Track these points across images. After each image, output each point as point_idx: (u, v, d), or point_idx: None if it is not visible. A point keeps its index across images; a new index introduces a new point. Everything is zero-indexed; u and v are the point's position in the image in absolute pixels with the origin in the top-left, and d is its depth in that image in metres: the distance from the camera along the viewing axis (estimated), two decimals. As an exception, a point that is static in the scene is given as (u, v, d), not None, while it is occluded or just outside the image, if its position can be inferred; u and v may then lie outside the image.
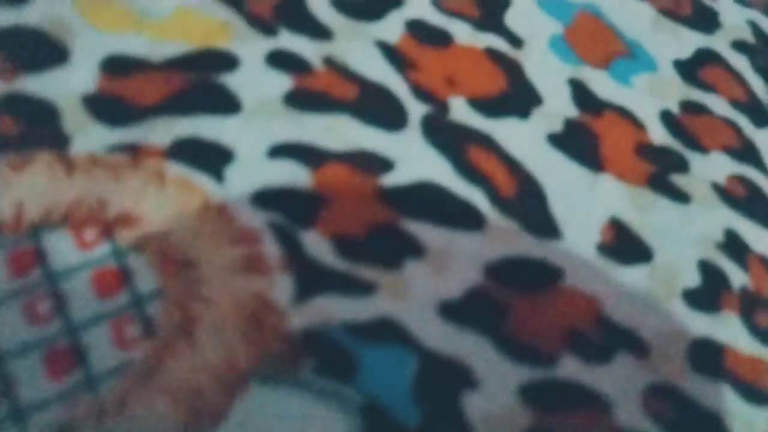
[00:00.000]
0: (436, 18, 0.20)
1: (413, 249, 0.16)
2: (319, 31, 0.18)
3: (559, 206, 0.18)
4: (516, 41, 0.21)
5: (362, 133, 0.17)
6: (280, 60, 0.18)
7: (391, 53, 0.19)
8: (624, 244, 0.18)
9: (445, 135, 0.18)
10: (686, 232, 0.19)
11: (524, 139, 0.19)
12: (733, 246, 0.19)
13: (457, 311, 0.16)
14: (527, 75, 0.20)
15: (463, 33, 0.20)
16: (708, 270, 0.19)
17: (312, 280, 0.15)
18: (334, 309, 0.15)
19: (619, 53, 0.22)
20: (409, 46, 0.19)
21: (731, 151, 0.21)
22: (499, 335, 0.16)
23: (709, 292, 0.18)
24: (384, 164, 0.17)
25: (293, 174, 0.16)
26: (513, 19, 0.21)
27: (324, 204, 0.16)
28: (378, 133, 0.18)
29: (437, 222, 0.17)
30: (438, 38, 0.20)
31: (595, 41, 0.22)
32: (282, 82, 0.17)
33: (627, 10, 0.23)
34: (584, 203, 0.19)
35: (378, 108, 0.18)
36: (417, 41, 0.19)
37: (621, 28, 0.23)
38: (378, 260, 0.16)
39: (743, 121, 0.22)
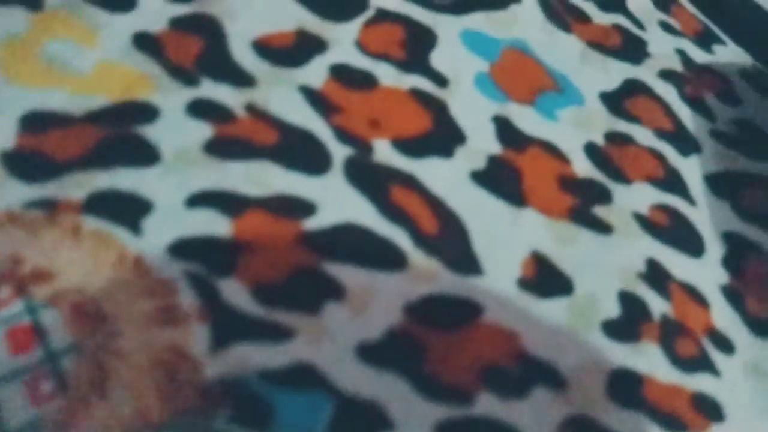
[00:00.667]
0: (360, 61, 0.20)
1: (333, 292, 0.17)
2: (241, 79, 0.19)
3: (481, 242, 0.19)
4: (441, 81, 0.21)
5: (284, 178, 0.18)
6: (200, 109, 0.18)
7: (315, 98, 0.19)
8: (545, 278, 0.19)
9: (368, 177, 0.19)
10: (607, 263, 0.20)
11: (447, 177, 0.20)
12: (655, 275, 0.20)
13: (376, 353, 0.16)
14: (452, 114, 0.21)
15: (388, 75, 0.21)
16: (628, 300, 0.19)
17: (229, 328, 0.16)
18: (250, 356, 0.15)
19: (546, 88, 0.23)
20: (332, 90, 0.19)
21: (655, 181, 0.22)
22: (416, 375, 0.16)
23: (629, 322, 0.19)
24: (306, 208, 0.18)
25: (212, 222, 0.17)
26: (439, 59, 0.22)
27: (243, 251, 0.17)
28: (300, 178, 0.18)
29: (359, 263, 0.18)
30: (362, 81, 0.20)
31: (522, 77, 0.23)
32: (202, 131, 0.18)
33: (555, 45, 0.24)
34: (506, 238, 0.19)
35: (300, 152, 0.18)
36: (341, 85, 0.20)
37: (549, 63, 0.24)
38: (297, 305, 0.16)
39: (668, 151, 0.23)
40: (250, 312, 0.16)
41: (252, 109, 0.19)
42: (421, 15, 0.22)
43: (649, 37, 0.26)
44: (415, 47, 0.21)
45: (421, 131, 0.20)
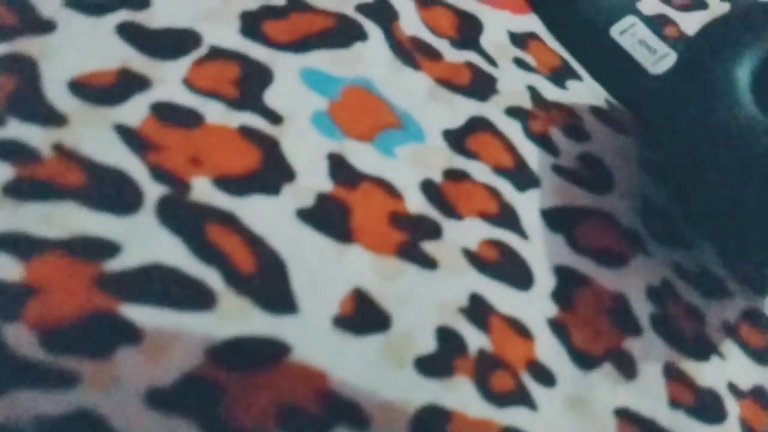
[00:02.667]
0: (187, 99, 0.20)
1: (128, 336, 0.17)
2: (51, 119, 0.19)
3: (300, 281, 0.19)
4: (275, 118, 0.21)
5: (87, 219, 0.18)
6: (3, 150, 0.18)
7: (131, 136, 0.19)
8: (363, 315, 0.19)
9: (183, 216, 0.19)
10: (429, 299, 0.20)
11: (271, 215, 0.20)
12: (476, 309, 0.20)
13: (168, 398, 0.16)
14: (284, 151, 0.21)
15: (216, 112, 0.21)
16: (444, 335, 0.20)
17: (9, 375, 0.15)
18: (29, 404, 0.15)
19: (387, 125, 0.23)
20: (151, 128, 0.19)
21: (487, 216, 0.23)
22: (209, 419, 0.16)
23: (443, 357, 0.19)
24: (109, 249, 0.17)
25: (1, 267, 0.16)
26: (274, 96, 0.22)
27: (33, 295, 0.16)
28: (105, 218, 0.18)
29: (162, 305, 0.17)
30: (186, 119, 0.20)
31: (363, 114, 0.23)
32: (2, 173, 0.17)
33: (401, 82, 0.25)
34: (328, 276, 0.19)
35: (108, 193, 0.18)
36: (161, 123, 0.20)
37: (393, 100, 0.24)
38: (87, 350, 0.16)
39: (505, 186, 0.24)
40: (34, 358, 0.16)
41: (60, 150, 0.18)
42: (258, 52, 0.22)
43: (500, 74, 0.27)
44: (249, 85, 0.22)
45: (247, 169, 0.20)
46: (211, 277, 0.18)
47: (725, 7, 0.36)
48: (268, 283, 0.19)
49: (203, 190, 0.19)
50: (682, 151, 0.23)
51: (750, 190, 0.20)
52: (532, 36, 0.29)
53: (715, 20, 0.28)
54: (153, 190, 0.19)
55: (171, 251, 0.18)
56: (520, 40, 0.29)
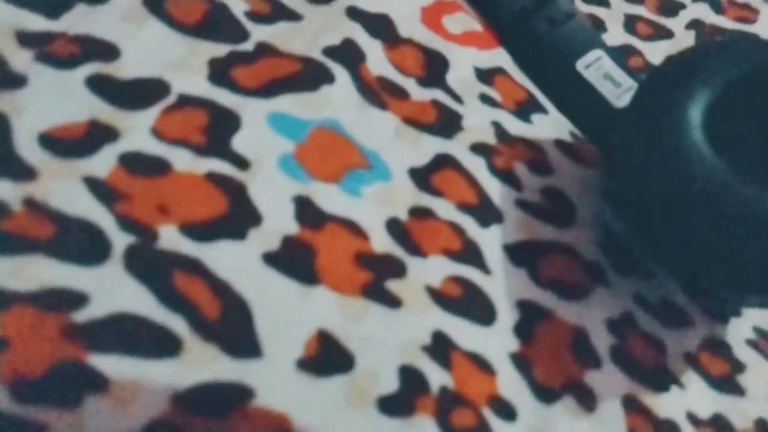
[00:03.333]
0: (154, 148, 0.21)
1: (96, 385, 0.17)
2: (22, 172, 0.19)
3: (265, 324, 0.19)
4: (242, 163, 0.22)
5: (56, 270, 0.18)
6: (-27, 205, 0.18)
7: (99, 187, 0.20)
8: (327, 356, 0.20)
9: (149, 264, 0.19)
10: (392, 338, 0.21)
11: (237, 260, 0.20)
12: (439, 347, 0.21)
13: (133, 444, 0.17)
14: (251, 196, 0.22)
15: (183, 160, 0.21)
16: (407, 375, 0.20)
17: (-22, 428, 0.16)
18: (-3, 456, 0.16)
19: (355, 165, 0.24)
20: (119, 178, 0.20)
21: (451, 253, 0.23)
22: (174, 465, 0.17)
23: (405, 397, 0.20)
24: (78, 300, 0.18)
25: (-29, 321, 0.17)
26: (241, 141, 0.22)
27: (3, 348, 0.17)
28: (74, 269, 0.18)
29: (129, 354, 0.18)
30: (154, 168, 0.21)
31: (330, 156, 0.24)
32: (-27, 228, 0.18)
33: (368, 122, 0.25)
34: (292, 318, 0.20)
35: (76, 244, 0.19)
36: (129, 173, 0.20)
37: (360, 140, 0.25)
38: (55, 400, 0.17)
39: (469, 223, 0.24)
40: (5, 411, 0.16)
41: (30, 203, 0.19)
42: (227, 99, 0.23)
43: (465, 110, 0.28)
44: (216, 131, 0.22)
45: (213, 215, 0.21)
46: (177, 324, 0.19)
47: (690, 36, 0.37)
48: (233, 328, 0.19)
49: (170, 237, 0.20)
50: (636, 187, 0.24)
51: (697, 227, 0.21)
52: (499, 71, 0.30)
53: (672, 57, 0.29)
54: (121, 240, 0.19)
55: (138, 300, 0.19)
56: (486, 75, 0.29)
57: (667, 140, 0.23)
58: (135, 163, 0.21)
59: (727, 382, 0.24)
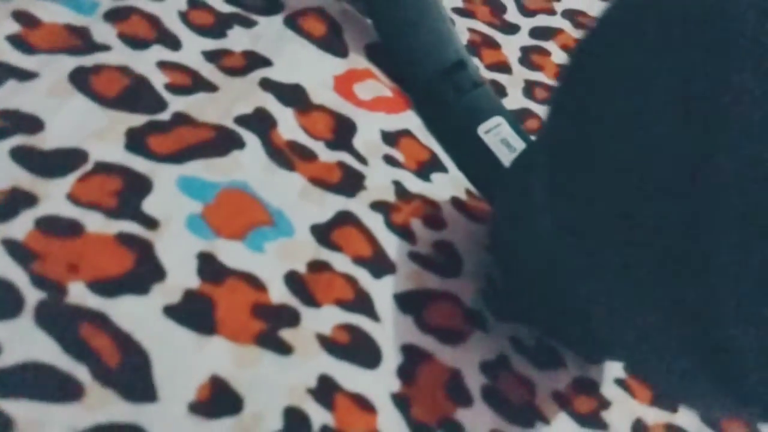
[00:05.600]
0: (70, 211, 0.23)
1: (4, 427, 0.19)
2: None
3: (161, 371, 0.22)
4: (151, 223, 0.24)
5: (-30, 325, 0.20)
6: None
7: (16, 249, 0.22)
8: (218, 400, 0.22)
9: (57, 318, 0.21)
10: (280, 382, 0.23)
11: (139, 313, 0.23)
12: (323, 389, 0.23)
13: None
14: (157, 254, 0.24)
15: (96, 222, 0.24)
16: (291, 415, 0.22)
17: None
18: None
19: (259, 223, 0.27)
20: (35, 240, 0.22)
21: (343, 303, 0.26)
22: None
23: (287, 435, 0.22)
24: (-11, 351, 0.20)
25: None
26: (151, 204, 0.25)
27: None
28: (-13, 324, 0.21)
29: (35, 398, 0.20)
30: (68, 230, 0.23)
31: (237, 215, 0.26)
32: None
33: (275, 183, 0.28)
34: (188, 366, 0.22)
35: (-9, 301, 0.21)
36: (44, 235, 0.23)
37: (267, 200, 0.27)
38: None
39: (363, 274, 0.27)
40: None
41: (-51, 264, 0.21)
42: (140, 165, 0.26)
43: (369, 171, 0.30)
44: (128, 195, 0.25)
45: (120, 272, 0.23)
46: (80, 371, 0.21)
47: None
48: (131, 375, 0.21)
49: (78, 293, 0.22)
50: (501, 246, 0.27)
51: (545, 292, 0.24)
52: (405, 133, 0.33)
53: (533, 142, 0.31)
54: (33, 296, 0.22)
55: (46, 350, 0.21)
56: (391, 138, 0.32)
57: (518, 212, 0.25)
58: (50, 226, 0.23)
59: (592, 418, 0.27)
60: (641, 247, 0.18)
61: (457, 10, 0.40)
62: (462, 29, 0.39)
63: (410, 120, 0.34)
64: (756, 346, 0.17)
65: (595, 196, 0.20)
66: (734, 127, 0.16)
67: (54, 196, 0.24)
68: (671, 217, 0.17)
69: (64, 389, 0.21)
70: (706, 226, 0.17)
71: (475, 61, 0.38)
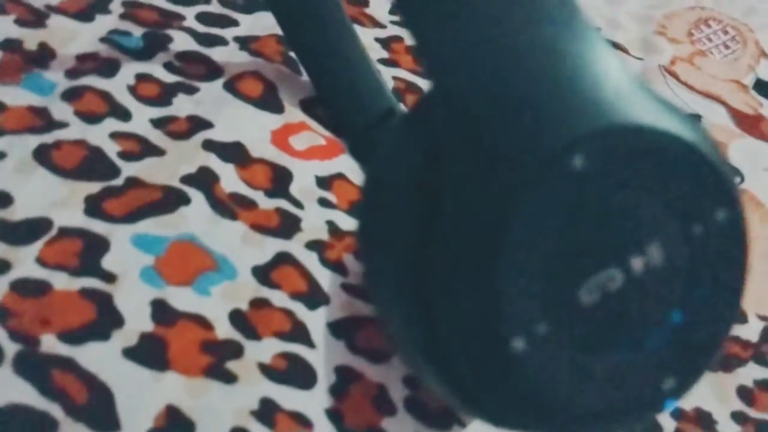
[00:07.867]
0: (39, 273, 0.27)
1: (-13, 462, 0.23)
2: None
3: (123, 404, 0.26)
4: (110, 278, 0.28)
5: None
6: None
7: (-6, 310, 0.26)
8: (172, 426, 0.26)
9: (33, 365, 0.25)
10: (228, 407, 0.27)
11: (103, 356, 0.26)
12: (264, 410, 0.27)
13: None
14: (116, 304, 0.28)
15: (62, 281, 0.27)
16: (236, 434, 0.26)
17: None
18: None
19: (206, 269, 0.30)
20: (10, 300, 0.26)
21: (281, 334, 0.30)
22: None
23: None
24: (-26, 399, 0.24)
25: None
26: (109, 260, 0.29)
27: None
28: (-28, 376, 0.24)
29: (15, 436, 0.24)
30: (38, 289, 0.27)
31: (185, 264, 0.30)
32: None
33: (219, 232, 0.32)
34: (146, 399, 0.26)
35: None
36: (19, 295, 0.26)
37: (212, 247, 0.31)
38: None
39: (299, 307, 0.31)
40: None
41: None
42: (98, 227, 0.29)
43: (305, 214, 0.34)
44: (89, 255, 0.28)
45: (84, 322, 0.27)
46: (54, 410, 0.25)
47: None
48: (98, 409, 0.25)
49: (49, 343, 0.26)
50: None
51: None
52: (339, 176, 0.37)
53: None
54: (10, 348, 0.25)
55: (24, 393, 0.25)
56: (325, 182, 0.36)
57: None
58: (23, 287, 0.27)
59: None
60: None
61: (383, 61, 0.44)
62: (388, 77, 0.44)
63: (344, 163, 0.38)
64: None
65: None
66: None
67: (24, 261, 0.28)
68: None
69: (41, 426, 0.24)
70: None
71: (402, 107, 0.42)
